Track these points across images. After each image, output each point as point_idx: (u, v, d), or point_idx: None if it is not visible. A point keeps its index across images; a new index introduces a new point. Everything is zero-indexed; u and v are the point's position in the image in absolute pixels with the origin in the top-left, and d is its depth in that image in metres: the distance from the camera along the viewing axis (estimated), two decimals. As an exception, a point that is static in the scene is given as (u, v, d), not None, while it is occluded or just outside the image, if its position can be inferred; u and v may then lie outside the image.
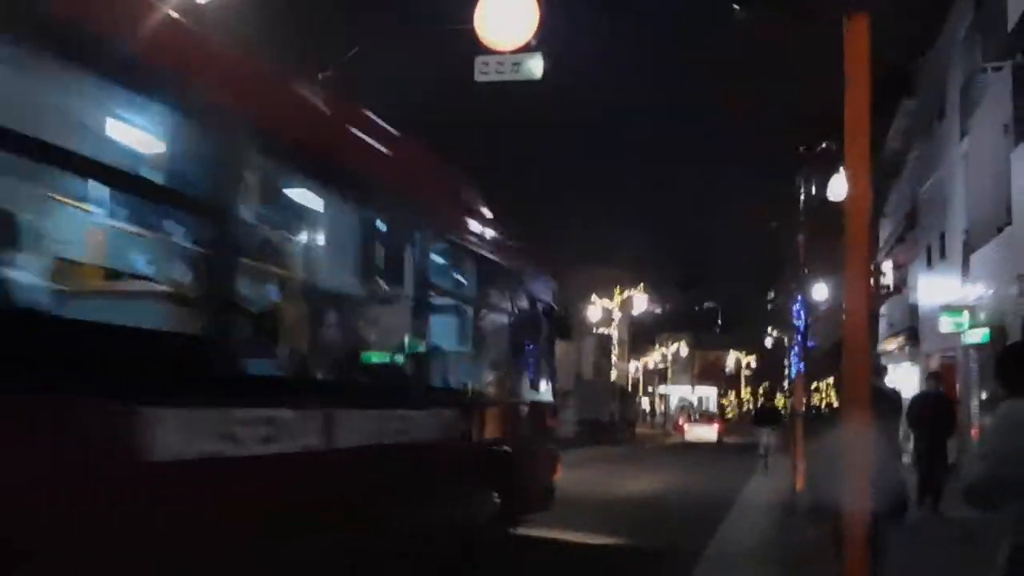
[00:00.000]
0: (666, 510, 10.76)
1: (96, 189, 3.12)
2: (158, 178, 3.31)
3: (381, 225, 4.83)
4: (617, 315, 32.82)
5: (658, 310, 53.04)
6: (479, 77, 9.74)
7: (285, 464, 3.52)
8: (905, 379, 20.69)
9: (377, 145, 4.93)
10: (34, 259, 2.78)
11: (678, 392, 63.70)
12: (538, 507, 6.82)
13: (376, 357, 4.79)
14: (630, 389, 40.15)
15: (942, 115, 17.97)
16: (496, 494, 5.93)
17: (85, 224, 3.24)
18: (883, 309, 24.75)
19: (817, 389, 27.76)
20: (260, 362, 3.62)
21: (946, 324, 14.30)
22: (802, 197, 15.91)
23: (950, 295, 15.82)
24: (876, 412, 3.26)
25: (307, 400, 3.79)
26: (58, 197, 3.04)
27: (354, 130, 4.79)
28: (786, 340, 33.77)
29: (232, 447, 3.19)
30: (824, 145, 15.14)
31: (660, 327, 68.34)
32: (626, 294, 32.51)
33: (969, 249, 15.04)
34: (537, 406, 7.17)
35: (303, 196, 4.39)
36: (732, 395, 72.07)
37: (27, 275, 2.68)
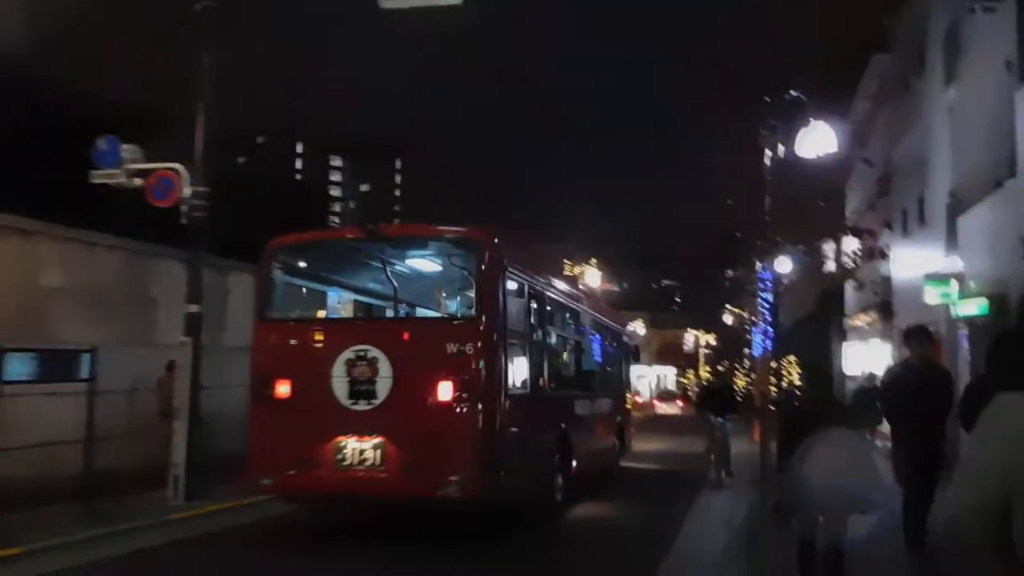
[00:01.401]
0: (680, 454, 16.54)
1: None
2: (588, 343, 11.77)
3: (598, 333, 12.61)
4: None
5: (615, 288, 51.44)
6: (385, 3, 7.95)
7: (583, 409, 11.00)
8: (875, 356, 19.25)
9: (597, 301, 15.80)
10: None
11: (650, 372, 62.26)
12: (629, 451, 14.26)
13: (594, 378, 11.88)
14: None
15: (922, 67, 16.32)
16: (617, 442, 13.16)
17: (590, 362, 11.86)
18: (850, 283, 23.31)
19: (780, 370, 26.20)
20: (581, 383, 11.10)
21: (931, 295, 12.67)
22: (767, 153, 14.14)
23: (931, 264, 14.20)
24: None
25: (583, 393, 11.08)
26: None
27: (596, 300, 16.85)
28: (747, 314, 32.38)
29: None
30: (793, 94, 13.35)
31: (617, 306, 67.17)
32: (577, 269, 30.62)
33: (956, 211, 13.41)
34: (625, 396, 15.03)
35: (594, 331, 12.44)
36: (691, 374, 71.30)
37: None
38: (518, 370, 7.83)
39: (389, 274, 8.22)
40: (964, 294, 12.04)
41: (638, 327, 59.61)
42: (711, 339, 64.03)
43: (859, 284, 18.70)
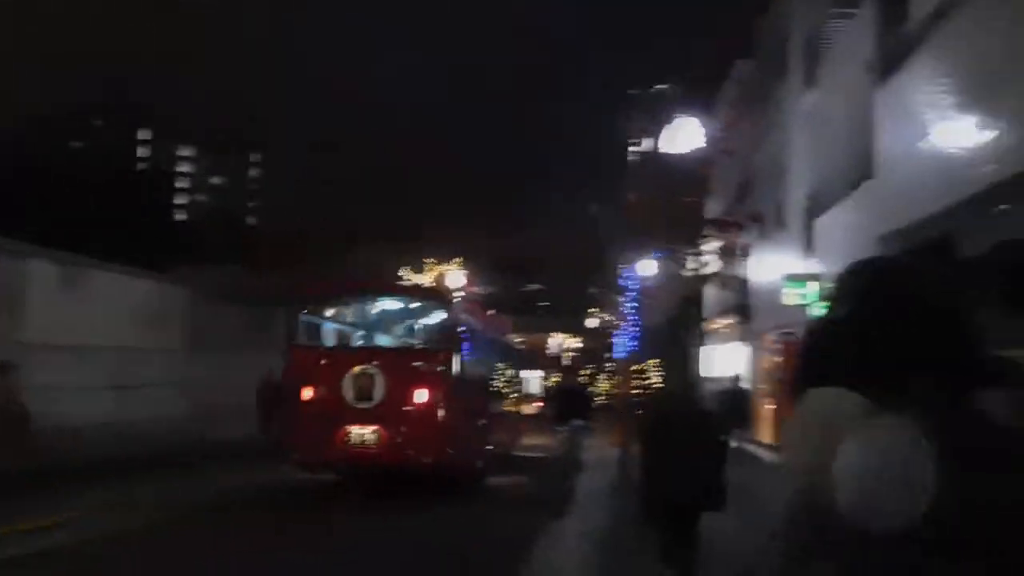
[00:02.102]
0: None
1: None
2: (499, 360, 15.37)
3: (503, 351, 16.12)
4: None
5: (479, 290, 50.87)
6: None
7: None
8: (734, 359, 19.43)
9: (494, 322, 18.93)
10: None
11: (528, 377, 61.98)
12: (521, 441, 16.80)
13: (500, 385, 15.14)
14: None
15: (783, 72, 16.53)
16: (513, 433, 15.97)
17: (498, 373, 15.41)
18: (710, 286, 23.63)
19: (642, 372, 26.28)
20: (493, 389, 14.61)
21: (790, 296, 12.60)
22: (632, 148, 13.74)
23: (789, 266, 14.25)
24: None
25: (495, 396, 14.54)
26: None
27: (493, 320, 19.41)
28: (611, 317, 32.58)
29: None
30: (660, 87, 13.02)
31: (483, 309, 66.49)
32: (440, 269, 29.57)
33: (813, 213, 13.48)
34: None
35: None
36: (555, 378, 71.88)
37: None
38: (463, 381, 11.30)
39: (385, 317, 12.91)
40: (821, 295, 12.02)
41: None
42: (576, 342, 64.82)
43: (723, 283, 18.78)
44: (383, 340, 12.69)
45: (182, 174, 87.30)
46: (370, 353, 11.65)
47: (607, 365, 47.75)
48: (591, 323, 47.22)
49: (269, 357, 16.68)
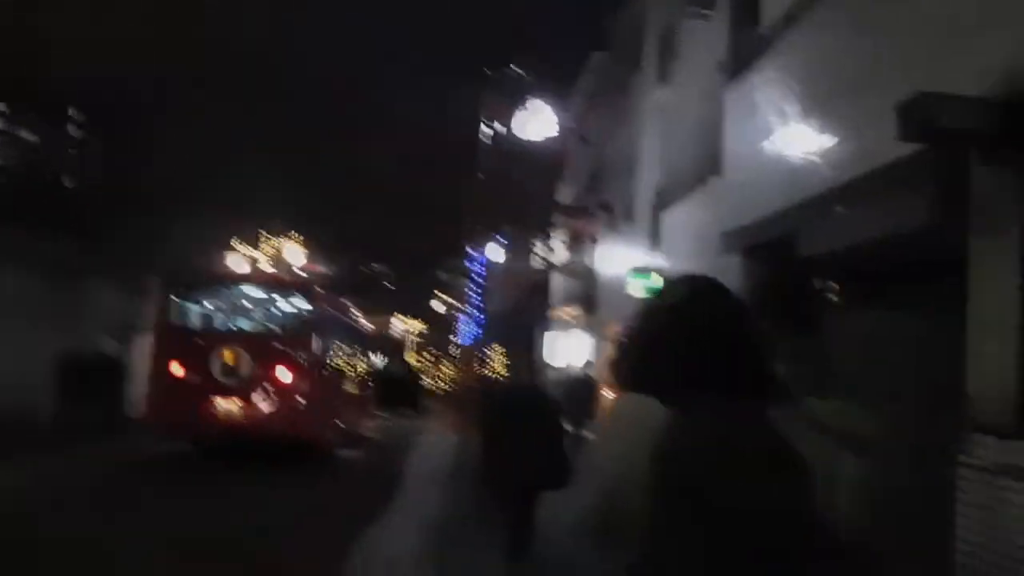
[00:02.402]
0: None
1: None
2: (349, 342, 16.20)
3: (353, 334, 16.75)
4: (267, 268, 28.16)
5: (322, 269, 49.08)
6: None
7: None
8: (579, 348, 19.66)
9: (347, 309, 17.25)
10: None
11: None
12: (370, 417, 18.20)
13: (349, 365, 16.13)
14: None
15: (637, 67, 16.77)
16: (362, 411, 17.49)
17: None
18: (558, 274, 23.86)
19: (486, 358, 26.16)
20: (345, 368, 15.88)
21: (635, 287, 12.76)
22: (485, 131, 13.38)
23: (635, 259, 14.47)
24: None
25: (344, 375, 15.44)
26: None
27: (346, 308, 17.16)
28: (456, 304, 32.26)
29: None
30: (514, 68, 12.71)
31: (324, 288, 64.16)
32: (277, 243, 27.92)
33: (660, 208, 13.72)
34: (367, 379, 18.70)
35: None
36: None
37: None
38: (318, 363, 12.83)
39: (252, 302, 13.17)
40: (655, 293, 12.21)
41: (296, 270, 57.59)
42: (420, 326, 64.30)
43: (570, 272, 18.89)
44: (249, 324, 13.12)
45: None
46: (237, 335, 12.55)
47: (451, 349, 47.63)
48: (437, 307, 46.80)
49: (76, 331, 14.97)
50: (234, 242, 26.12)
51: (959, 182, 4.97)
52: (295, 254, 28.22)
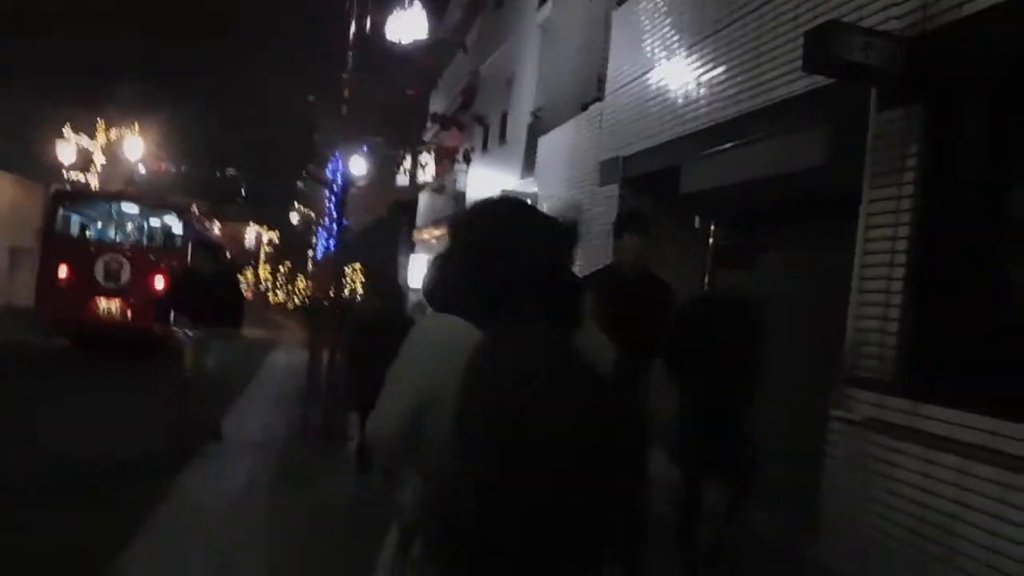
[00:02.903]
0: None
1: None
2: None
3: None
4: (100, 159, 25.37)
5: (171, 169, 45.42)
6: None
7: None
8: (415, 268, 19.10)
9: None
10: None
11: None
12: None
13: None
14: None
15: (521, -21, 15.89)
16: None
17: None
18: (423, 196, 23.01)
19: (343, 276, 25.11)
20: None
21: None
22: (352, 28, 12.29)
23: (507, 183, 13.95)
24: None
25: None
26: None
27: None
28: (315, 216, 30.69)
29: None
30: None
31: (174, 192, 59.95)
32: (113, 133, 25.09)
33: (537, 131, 13.19)
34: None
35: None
36: (250, 272, 67.80)
37: None
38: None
39: (132, 219, 14.93)
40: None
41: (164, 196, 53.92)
42: (274, 237, 61.41)
43: (439, 189, 18.11)
44: (131, 238, 14.80)
45: None
46: (118, 246, 14.15)
47: (309, 265, 45.87)
48: (293, 218, 44.63)
49: None
50: (65, 129, 23.23)
51: (857, 121, 4.73)
52: (134, 148, 25.52)
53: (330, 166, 15.94)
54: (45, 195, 25.23)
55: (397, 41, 10.96)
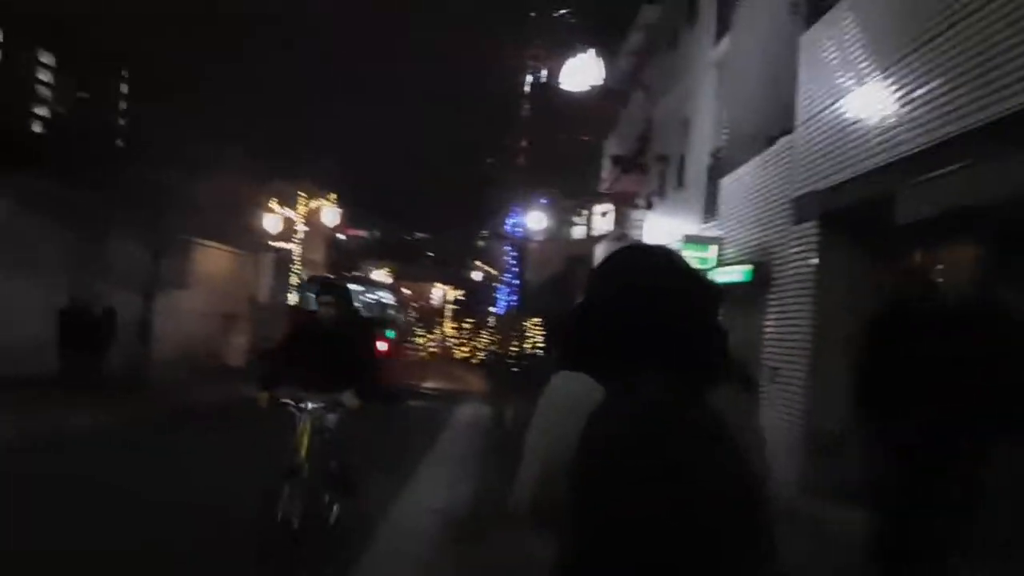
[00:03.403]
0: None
1: None
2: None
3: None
4: (302, 228, 27.37)
5: (363, 233, 48.52)
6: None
7: None
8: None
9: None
10: None
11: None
12: None
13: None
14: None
15: (693, 19, 15.37)
16: None
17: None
18: (599, 248, 22.66)
19: (523, 330, 25.24)
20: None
21: (690, 260, 11.56)
22: (529, 79, 12.29)
23: (687, 229, 13.25)
24: None
25: None
26: None
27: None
28: (495, 272, 31.26)
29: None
30: (564, 12, 11.52)
31: (367, 255, 64.13)
32: (313, 204, 27.03)
33: (717, 173, 12.46)
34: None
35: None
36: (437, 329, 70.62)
37: None
38: (400, 336, 18.40)
39: (356, 294, 14.19)
40: (722, 261, 11.04)
41: (383, 276, 57.31)
42: (458, 294, 63.66)
43: (619, 238, 17.65)
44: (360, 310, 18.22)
45: (42, 83, 78.64)
46: None
47: (490, 320, 46.87)
48: (475, 276, 45.94)
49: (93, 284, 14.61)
50: (272, 202, 25.44)
51: None
52: (331, 216, 27.42)
53: (509, 221, 16.00)
54: (254, 264, 27.76)
55: (572, 90, 10.81)
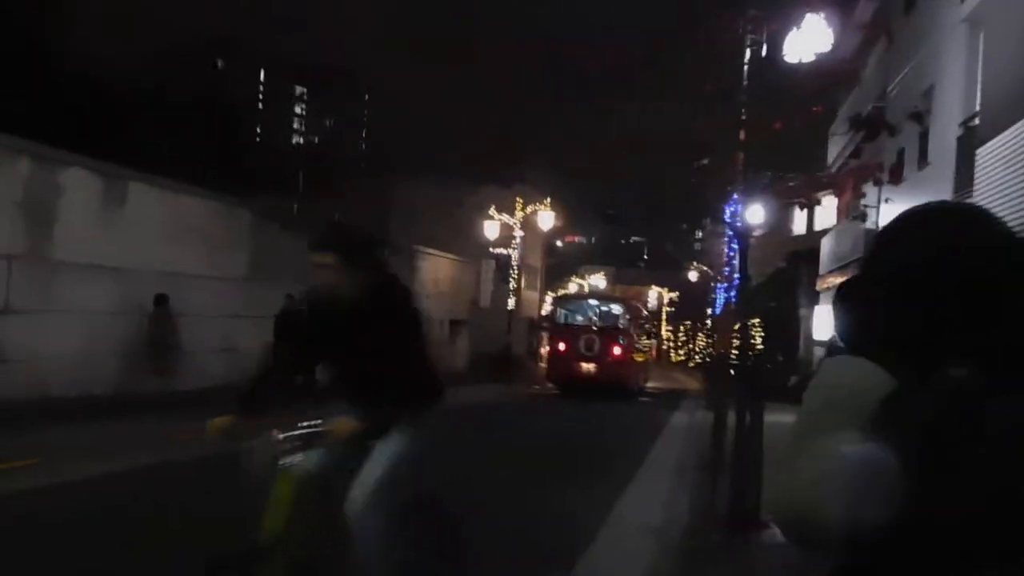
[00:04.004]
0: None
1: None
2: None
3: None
4: (519, 233, 27.96)
5: (580, 239, 49.03)
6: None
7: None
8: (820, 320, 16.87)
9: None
10: None
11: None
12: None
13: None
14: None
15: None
16: None
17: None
18: (826, 241, 20.90)
19: (742, 330, 23.89)
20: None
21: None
22: (748, 55, 11.51)
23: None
24: None
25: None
26: None
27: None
28: (712, 272, 30.05)
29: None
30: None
31: (584, 260, 64.75)
32: (529, 209, 27.56)
33: (971, 144, 10.87)
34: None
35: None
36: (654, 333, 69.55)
37: None
38: (631, 343, 22.07)
39: (597, 308, 22.73)
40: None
41: (599, 280, 57.43)
42: (674, 297, 62.17)
43: (859, 216, 15.94)
44: (598, 321, 21.28)
45: (296, 114, 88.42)
46: (589, 328, 20.87)
47: (708, 322, 45.26)
48: (692, 276, 44.59)
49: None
50: (492, 211, 26.38)
51: None
52: (547, 220, 27.87)
53: (727, 211, 15.07)
54: (475, 271, 28.88)
55: (797, 61, 9.92)
